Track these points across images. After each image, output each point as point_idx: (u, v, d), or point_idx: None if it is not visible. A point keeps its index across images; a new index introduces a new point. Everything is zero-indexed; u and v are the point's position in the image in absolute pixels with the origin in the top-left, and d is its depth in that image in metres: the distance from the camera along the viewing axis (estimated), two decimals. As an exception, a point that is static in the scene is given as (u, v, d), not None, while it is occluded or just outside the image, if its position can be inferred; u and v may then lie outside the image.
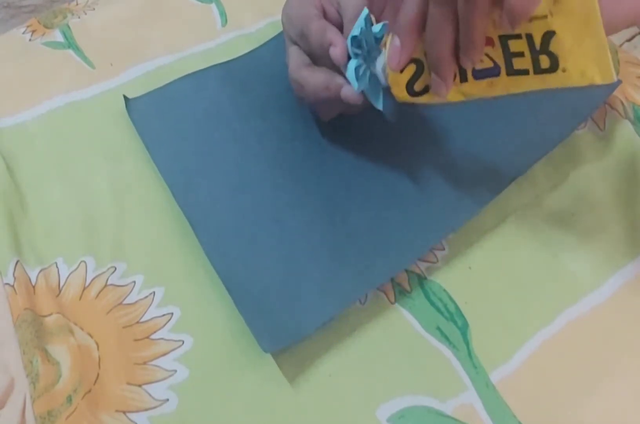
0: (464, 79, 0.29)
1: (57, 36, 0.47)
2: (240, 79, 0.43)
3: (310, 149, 0.39)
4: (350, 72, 0.31)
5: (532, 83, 0.28)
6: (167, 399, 0.31)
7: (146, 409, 0.31)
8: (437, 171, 0.38)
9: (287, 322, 0.32)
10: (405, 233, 0.35)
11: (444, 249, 0.36)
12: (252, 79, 0.43)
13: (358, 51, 0.31)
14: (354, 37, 0.30)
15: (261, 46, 0.45)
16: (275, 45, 0.44)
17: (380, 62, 0.31)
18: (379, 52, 0.31)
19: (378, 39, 0.31)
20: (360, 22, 0.30)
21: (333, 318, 0.32)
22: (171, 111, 0.41)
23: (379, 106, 0.33)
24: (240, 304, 0.32)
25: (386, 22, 0.31)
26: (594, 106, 0.40)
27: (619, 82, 0.40)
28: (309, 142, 0.40)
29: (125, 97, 0.42)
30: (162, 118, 0.41)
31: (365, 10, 0.30)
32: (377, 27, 0.31)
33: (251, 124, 0.40)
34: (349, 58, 0.31)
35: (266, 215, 0.36)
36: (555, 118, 0.39)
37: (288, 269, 0.34)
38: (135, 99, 0.42)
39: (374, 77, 0.32)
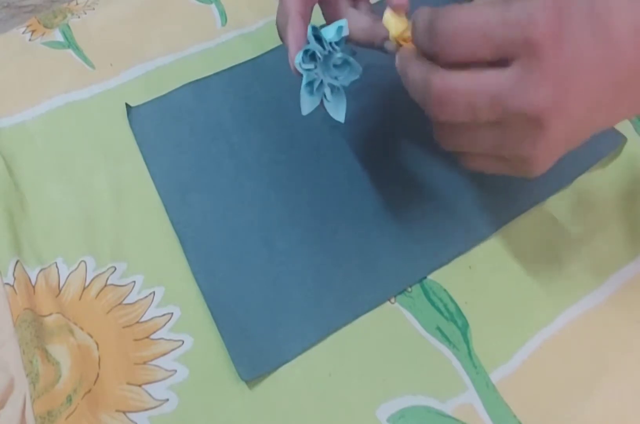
0: None
1: (57, 36, 0.47)
2: (243, 87, 0.43)
3: (306, 162, 0.39)
4: (303, 90, 0.30)
5: None
6: (167, 399, 0.31)
7: (146, 409, 0.31)
8: (436, 200, 0.37)
9: (267, 350, 0.32)
10: (393, 262, 0.35)
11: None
12: (254, 87, 0.43)
13: (310, 66, 0.29)
14: (304, 53, 0.29)
15: (266, 53, 0.45)
16: (280, 53, 0.44)
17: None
18: (339, 56, 0.30)
19: (336, 43, 0.30)
20: (309, 37, 0.29)
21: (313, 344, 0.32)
22: (171, 122, 0.41)
23: (341, 118, 0.31)
24: (222, 327, 0.32)
25: (342, 24, 0.29)
26: (598, 155, 0.38)
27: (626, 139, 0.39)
28: (306, 154, 0.39)
29: (127, 105, 0.41)
30: (161, 129, 0.41)
31: (310, 28, 0.29)
32: (330, 33, 0.29)
33: (249, 136, 0.40)
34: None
35: (256, 236, 0.36)
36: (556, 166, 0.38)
37: (273, 294, 0.34)
38: (137, 107, 0.42)
39: (335, 89, 0.31)
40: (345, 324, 0.33)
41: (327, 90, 0.30)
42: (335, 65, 0.30)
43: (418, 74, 0.24)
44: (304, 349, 0.32)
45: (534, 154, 0.24)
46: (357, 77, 0.31)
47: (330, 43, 0.29)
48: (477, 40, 0.22)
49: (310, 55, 0.29)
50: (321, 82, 0.30)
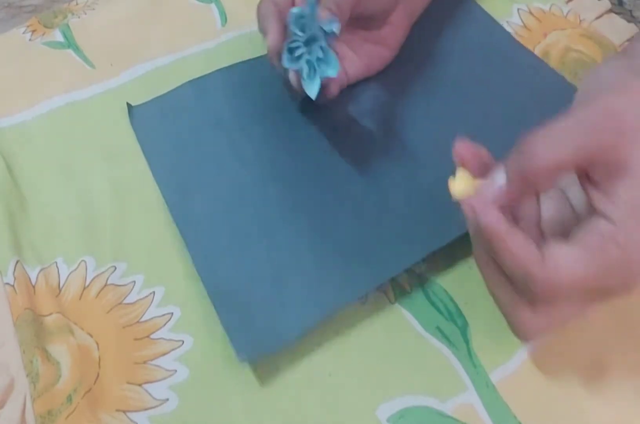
0: None
1: (57, 36, 0.47)
2: (243, 83, 0.43)
3: (307, 156, 0.39)
4: (284, 51, 0.30)
5: None
6: (167, 399, 0.31)
7: (146, 409, 0.31)
8: (431, 187, 0.37)
9: (267, 331, 0.32)
10: (394, 242, 0.35)
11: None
12: (255, 83, 0.43)
13: (299, 33, 0.30)
14: (299, 17, 0.29)
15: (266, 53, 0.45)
16: None
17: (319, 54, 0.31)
18: (322, 46, 0.30)
19: (326, 33, 0.30)
20: (309, 2, 0.29)
21: (314, 327, 0.32)
22: (172, 120, 0.41)
23: (312, 95, 0.31)
24: (221, 311, 0.32)
25: (335, 21, 0.30)
26: None
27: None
28: (307, 151, 0.39)
29: (128, 104, 0.42)
30: (162, 128, 0.41)
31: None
32: (327, 23, 0.30)
33: (250, 132, 0.40)
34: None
35: (256, 230, 0.36)
36: None
37: (272, 280, 0.34)
38: (138, 106, 0.42)
39: (311, 64, 0.31)
40: (346, 304, 0.33)
41: (304, 67, 0.31)
42: (318, 58, 0.31)
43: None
44: (304, 330, 0.32)
45: None
46: (333, 75, 0.31)
47: (321, 27, 0.30)
48: None
49: (301, 26, 0.30)
50: (301, 55, 0.30)
